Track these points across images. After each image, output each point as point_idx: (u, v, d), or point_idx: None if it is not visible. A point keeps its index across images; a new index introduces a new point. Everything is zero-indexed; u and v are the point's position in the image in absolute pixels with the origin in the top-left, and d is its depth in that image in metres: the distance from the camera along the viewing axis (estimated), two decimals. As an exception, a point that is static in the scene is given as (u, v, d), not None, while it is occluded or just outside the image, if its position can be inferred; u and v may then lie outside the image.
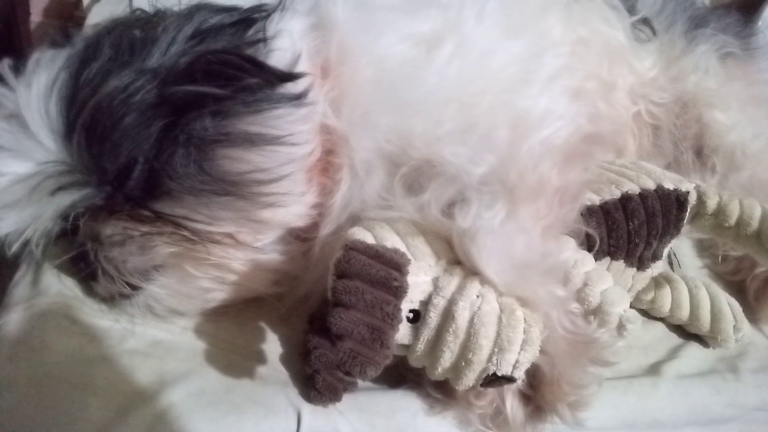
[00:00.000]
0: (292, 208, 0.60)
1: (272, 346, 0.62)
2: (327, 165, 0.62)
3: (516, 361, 0.54)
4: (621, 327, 0.57)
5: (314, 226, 0.64)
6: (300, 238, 0.65)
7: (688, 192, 0.68)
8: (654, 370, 0.71)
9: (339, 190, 0.61)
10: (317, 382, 0.56)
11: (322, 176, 0.63)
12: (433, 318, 0.54)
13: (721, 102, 0.86)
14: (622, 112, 0.79)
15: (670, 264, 0.81)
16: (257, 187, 0.55)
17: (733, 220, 0.68)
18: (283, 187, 0.56)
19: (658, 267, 0.70)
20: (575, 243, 0.61)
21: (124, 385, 0.54)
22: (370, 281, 0.50)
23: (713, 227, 0.69)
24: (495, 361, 0.53)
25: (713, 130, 0.86)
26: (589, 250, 0.63)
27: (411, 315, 0.55)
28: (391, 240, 0.56)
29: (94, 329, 0.58)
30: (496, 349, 0.53)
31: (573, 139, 0.60)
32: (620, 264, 0.66)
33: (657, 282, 0.76)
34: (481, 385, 0.55)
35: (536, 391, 0.58)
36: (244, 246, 0.60)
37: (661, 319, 0.77)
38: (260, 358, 0.61)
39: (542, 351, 0.56)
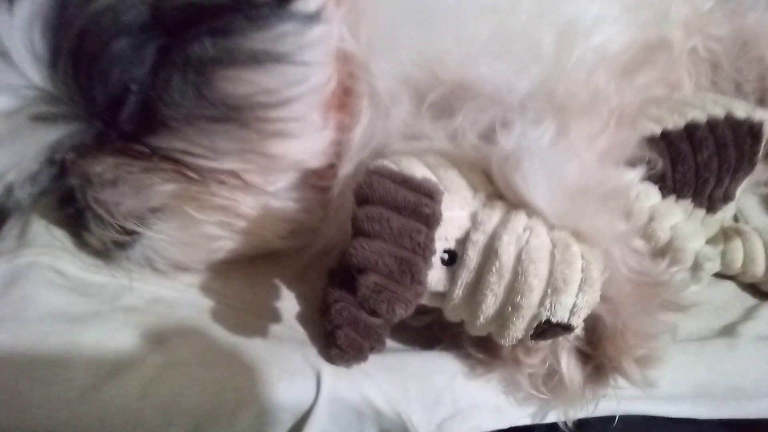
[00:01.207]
0: (306, 141, 0.52)
1: (288, 304, 0.55)
2: (345, 98, 0.55)
3: (573, 305, 0.45)
4: (697, 266, 0.48)
5: (332, 173, 0.57)
6: (317, 186, 0.57)
7: (762, 122, 0.58)
8: (728, 331, 0.61)
9: (359, 123, 0.53)
10: (339, 338, 0.48)
11: (340, 112, 0.55)
12: (472, 257, 0.46)
13: None
14: (677, 45, 0.70)
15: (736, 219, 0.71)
16: (263, 111, 0.48)
17: (814, 151, 0.59)
18: (293, 112, 0.49)
19: (730, 209, 0.60)
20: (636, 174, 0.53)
21: (116, 342, 0.47)
22: (397, 207, 0.42)
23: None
24: (548, 305, 0.45)
25: (777, 72, 0.76)
26: (651, 186, 0.55)
27: (446, 256, 0.47)
28: (421, 172, 0.48)
29: (85, 284, 0.51)
30: (549, 290, 0.45)
31: (631, 49, 0.52)
32: (688, 204, 0.56)
33: (726, 234, 0.67)
34: (532, 337, 0.47)
35: (596, 348, 0.50)
36: (254, 188, 0.52)
37: (732, 278, 0.68)
38: (274, 317, 0.53)
39: (603, 297, 0.48)
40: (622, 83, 0.50)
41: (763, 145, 0.59)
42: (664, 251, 0.48)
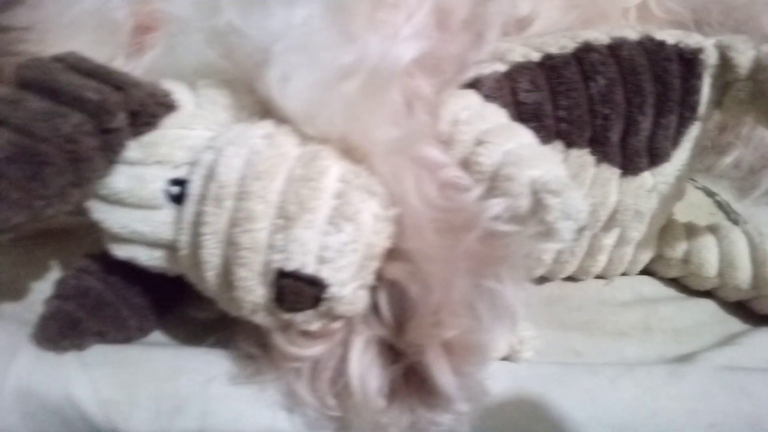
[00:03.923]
0: None
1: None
2: (143, 38, 0.46)
3: (322, 247, 0.30)
4: (538, 202, 0.31)
5: None
6: None
7: (700, 47, 0.41)
8: (689, 358, 0.41)
9: (146, 56, 0.43)
10: (49, 309, 0.36)
11: (139, 52, 0.46)
12: (197, 183, 0.33)
13: None
14: None
15: (727, 215, 0.52)
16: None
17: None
18: (29, 19, 0.40)
19: (667, 175, 0.42)
20: (480, 99, 0.37)
21: None
22: (53, 91, 0.30)
23: (753, 97, 0.41)
24: (279, 243, 0.30)
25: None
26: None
27: (176, 189, 0.34)
28: (171, 87, 0.37)
29: None
30: (280, 221, 0.30)
31: None
32: (585, 156, 0.39)
33: (690, 230, 0.47)
34: (278, 304, 0.31)
35: (403, 336, 0.33)
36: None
37: (709, 295, 0.48)
38: (16, 295, 0.41)
39: (399, 253, 0.32)
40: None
41: (705, 80, 0.41)
42: (489, 181, 0.32)
